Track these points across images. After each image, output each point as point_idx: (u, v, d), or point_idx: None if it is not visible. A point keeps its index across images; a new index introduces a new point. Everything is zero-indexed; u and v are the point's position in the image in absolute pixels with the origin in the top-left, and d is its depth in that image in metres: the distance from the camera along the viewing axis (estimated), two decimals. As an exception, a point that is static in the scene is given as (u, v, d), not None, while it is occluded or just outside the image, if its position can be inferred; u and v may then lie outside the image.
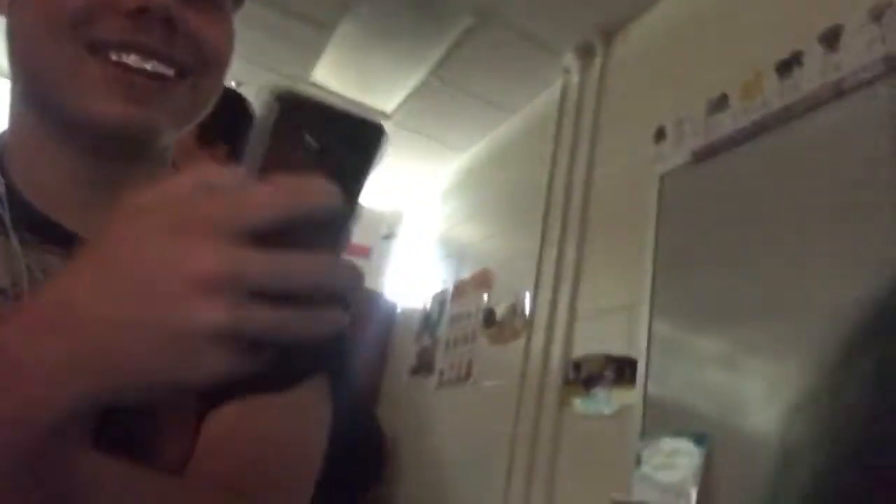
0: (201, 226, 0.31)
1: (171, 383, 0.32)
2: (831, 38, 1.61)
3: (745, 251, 1.72)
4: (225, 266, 0.30)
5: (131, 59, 0.53)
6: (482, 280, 3.07)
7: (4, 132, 0.62)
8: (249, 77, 3.06)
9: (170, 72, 0.55)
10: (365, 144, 0.33)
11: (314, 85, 3.29)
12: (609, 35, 2.59)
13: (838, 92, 1.55)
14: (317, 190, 0.31)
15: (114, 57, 0.53)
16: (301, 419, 0.60)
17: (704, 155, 1.92)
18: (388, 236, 4.33)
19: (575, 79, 2.72)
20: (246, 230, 0.31)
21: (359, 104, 3.38)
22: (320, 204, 0.31)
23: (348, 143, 0.32)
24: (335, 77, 3.27)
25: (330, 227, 0.33)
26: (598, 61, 2.61)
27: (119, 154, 0.58)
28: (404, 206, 4.33)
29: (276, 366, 0.53)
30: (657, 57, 2.34)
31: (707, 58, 2.06)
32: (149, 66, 0.54)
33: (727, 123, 1.87)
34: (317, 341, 0.33)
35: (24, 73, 0.58)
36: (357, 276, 0.33)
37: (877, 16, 1.52)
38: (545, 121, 2.86)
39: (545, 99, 2.96)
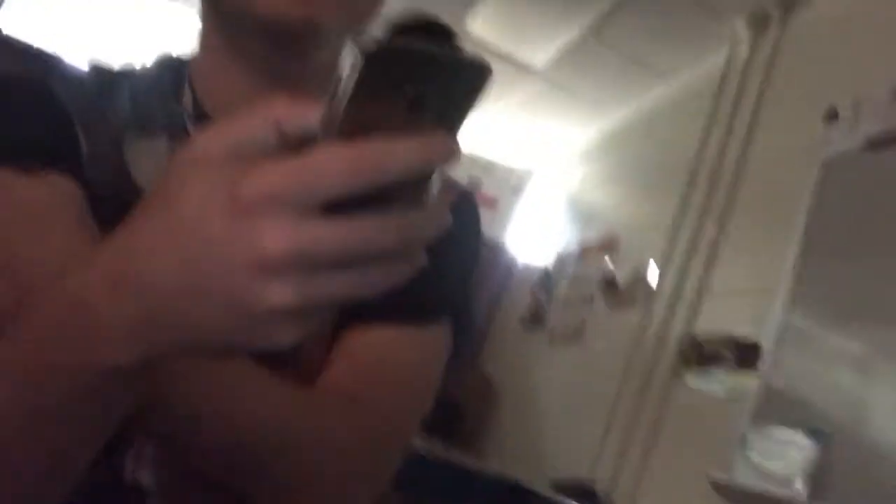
0: (269, 199, 0.29)
1: (237, 350, 0.33)
2: None
3: (906, 250, 1.61)
4: (294, 245, 0.29)
5: None
6: (608, 244, 3.03)
7: (194, 54, 0.67)
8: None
9: None
10: (467, 87, 0.29)
11: (466, 34, 3.30)
12: (788, 4, 2.43)
13: None
14: (403, 152, 0.29)
15: None
16: (423, 353, 0.64)
17: (882, 142, 1.78)
18: (517, 189, 4.34)
19: (744, 49, 2.58)
20: (319, 202, 0.29)
21: (508, 57, 3.37)
22: (404, 168, 0.29)
23: (447, 88, 0.29)
24: (488, 27, 3.26)
25: (418, 182, 0.30)
26: (772, 32, 2.46)
27: (292, 58, 0.59)
28: (538, 161, 4.31)
29: (406, 300, 0.58)
30: (838, 33, 2.17)
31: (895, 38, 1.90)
32: None
33: (913, 111, 1.72)
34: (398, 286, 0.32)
35: None
36: (441, 223, 0.32)
37: None
38: (704, 90, 2.74)
39: (707, 67, 2.83)
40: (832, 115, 1.97)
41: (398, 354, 0.61)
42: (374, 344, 0.60)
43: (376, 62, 0.28)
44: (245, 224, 0.29)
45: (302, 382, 0.56)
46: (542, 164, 4.27)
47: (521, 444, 3.04)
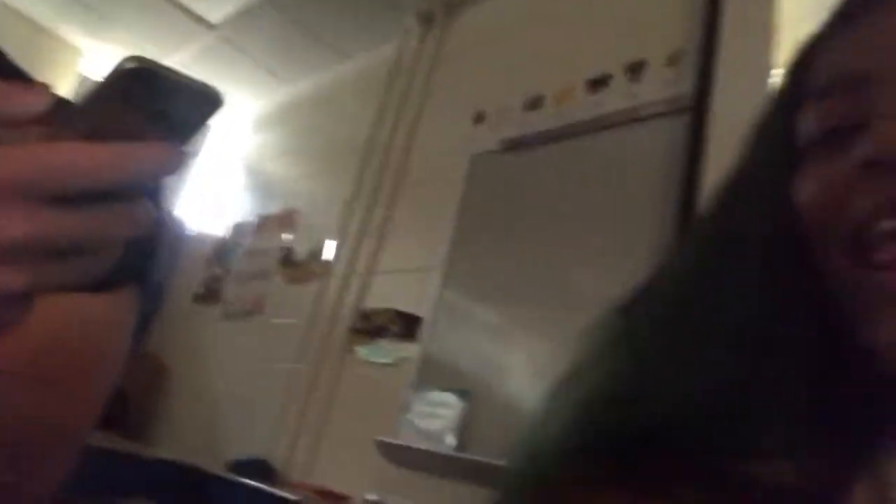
0: (8, 185, 0.29)
1: None
2: (636, 69, 1.86)
3: (532, 239, 1.95)
4: (31, 231, 0.30)
5: None
6: (286, 218, 3.07)
7: None
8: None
9: None
10: (200, 110, 0.33)
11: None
12: (451, 9, 2.69)
13: (635, 118, 1.80)
14: (139, 156, 0.31)
15: None
16: (108, 322, 0.63)
17: (514, 145, 2.11)
18: (190, 152, 4.10)
19: (412, 42, 2.79)
20: (59, 194, 0.30)
21: (185, 8, 3.16)
22: (139, 170, 0.31)
23: (183, 108, 0.33)
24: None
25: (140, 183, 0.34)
26: (436, 31, 2.70)
27: None
28: (211, 126, 4.11)
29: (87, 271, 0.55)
30: (490, 42, 2.48)
31: (533, 56, 2.24)
32: None
33: (539, 122, 2.06)
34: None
35: None
36: (162, 219, 0.36)
37: (673, 61, 1.78)
38: (376, 75, 2.90)
39: (380, 54, 2.99)
40: (479, 118, 2.26)
41: (80, 323, 0.59)
42: (51, 313, 0.56)
43: (126, 77, 0.31)
44: None
45: None
46: (217, 128, 4.09)
47: (197, 427, 2.95)
